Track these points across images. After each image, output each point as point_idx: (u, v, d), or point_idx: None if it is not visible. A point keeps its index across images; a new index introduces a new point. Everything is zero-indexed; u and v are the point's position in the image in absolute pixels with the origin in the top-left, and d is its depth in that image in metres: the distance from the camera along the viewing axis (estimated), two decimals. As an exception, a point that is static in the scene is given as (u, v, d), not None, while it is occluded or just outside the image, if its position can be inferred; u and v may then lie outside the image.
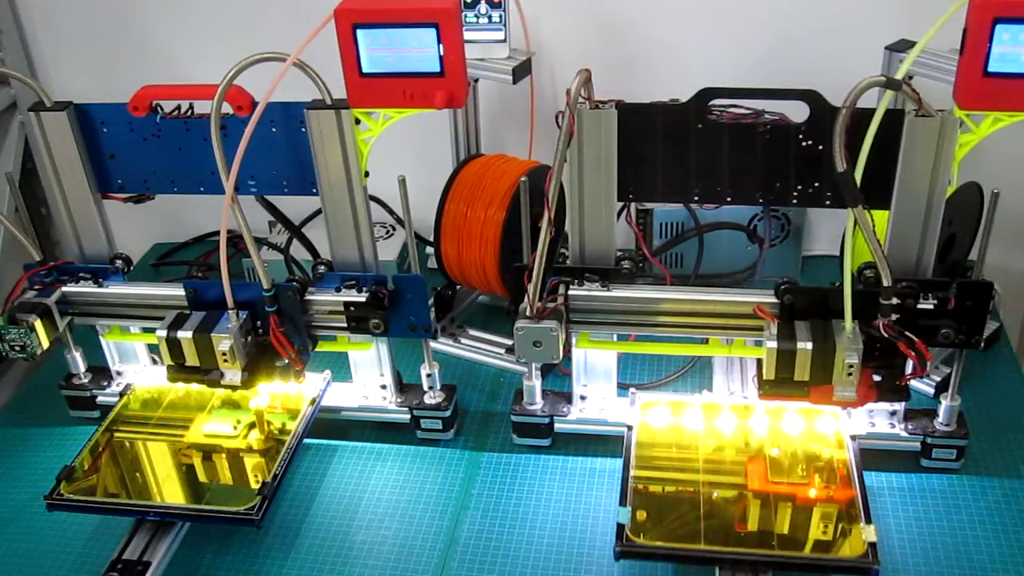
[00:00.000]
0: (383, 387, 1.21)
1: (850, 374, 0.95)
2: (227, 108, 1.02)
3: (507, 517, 1.09)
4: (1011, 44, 0.86)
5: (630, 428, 1.11)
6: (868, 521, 0.96)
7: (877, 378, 0.97)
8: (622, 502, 1.00)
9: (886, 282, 0.94)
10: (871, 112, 0.94)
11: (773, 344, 0.96)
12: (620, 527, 0.96)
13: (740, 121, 1.01)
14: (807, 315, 0.99)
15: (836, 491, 1.02)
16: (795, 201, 1.02)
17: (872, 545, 0.93)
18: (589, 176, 1.02)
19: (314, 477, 1.17)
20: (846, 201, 0.90)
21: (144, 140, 1.11)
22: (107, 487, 1.10)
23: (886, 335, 0.94)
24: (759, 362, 0.99)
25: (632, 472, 1.05)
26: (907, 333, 0.94)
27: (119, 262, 1.18)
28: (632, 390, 1.17)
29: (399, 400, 1.21)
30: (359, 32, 0.96)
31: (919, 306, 0.98)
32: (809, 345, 0.95)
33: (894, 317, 0.95)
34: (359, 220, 1.09)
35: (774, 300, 1.01)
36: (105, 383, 1.28)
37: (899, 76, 0.89)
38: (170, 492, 1.10)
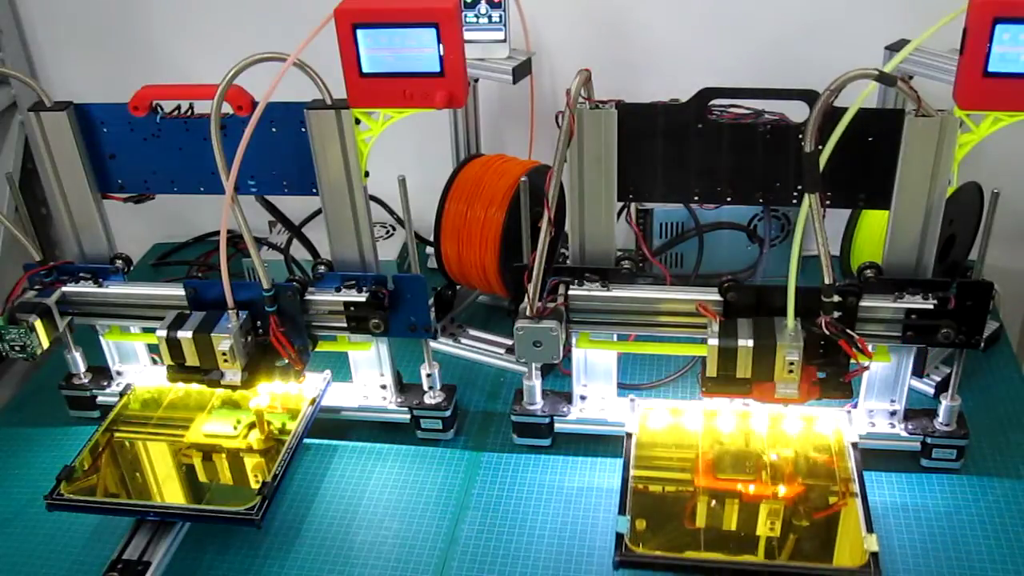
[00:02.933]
0: (383, 387, 1.21)
1: (791, 371, 0.95)
2: (227, 108, 1.02)
3: (507, 517, 1.09)
4: (1011, 44, 0.86)
5: (630, 436, 1.10)
6: (870, 530, 0.95)
7: (822, 375, 0.97)
8: (621, 511, 0.99)
9: (827, 280, 0.94)
10: (871, 112, 0.94)
11: (715, 341, 0.97)
12: (619, 536, 0.96)
13: (740, 121, 1.01)
14: (752, 313, 0.99)
15: (837, 499, 1.02)
16: (795, 201, 1.02)
17: (874, 555, 0.92)
18: (589, 176, 1.02)
19: (314, 477, 1.17)
20: (805, 185, 0.90)
21: (144, 140, 1.11)
22: (107, 487, 1.10)
23: (827, 332, 0.94)
24: (703, 360, 0.99)
25: (631, 481, 1.04)
26: (848, 331, 0.94)
27: (119, 262, 1.18)
28: (631, 398, 1.16)
29: (399, 400, 1.21)
30: (359, 32, 0.96)
31: (919, 306, 0.98)
32: (750, 343, 0.95)
33: (836, 315, 0.95)
34: (359, 220, 1.09)
35: (718, 298, 1.01)
36: (105, 383, 1.28)
37: (887, 69, 0.89)
38: (170, 492, 1.10)
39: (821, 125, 0.88)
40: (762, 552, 0.97)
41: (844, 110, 0.91)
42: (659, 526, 1.00)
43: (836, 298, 0.95)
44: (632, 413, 1.14)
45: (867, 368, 0.98)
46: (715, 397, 1.02)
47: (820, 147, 0.90)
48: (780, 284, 0.97)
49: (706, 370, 0.99)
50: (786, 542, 0.98)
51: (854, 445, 1.07)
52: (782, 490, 1.04)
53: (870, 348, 0.98)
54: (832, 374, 0.97)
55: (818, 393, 0.98)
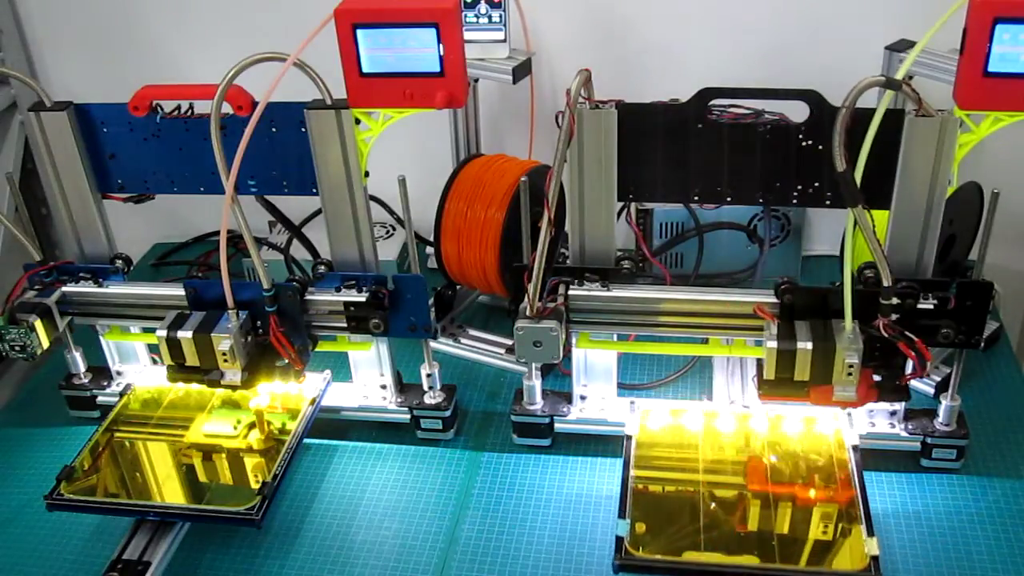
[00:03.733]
0: (383, 387, 1.21)
1: (850, 374, 0.95)
2: (227, 108, 1.02)
3: (507, 517, 1.09)
4: (1011, 44, 0.86)
5: (630, 438, 1.10)
6: (871, 534, 0.95)
7: (877, 378, 0.97)
8: (621, 514, 0.99)
9: (886, 282, 0.94)
10: (870, 112, 0.94)
11: (773, 344, 0.96)
12: (619, 540, 0.96)
13: (740, 121, 1.01)
14: (807, 315, 0.99)
15: (837, 503, 1.01)
16: (795, 201, 1.02)
17: (875, 559, 0.92)
18: (589, 176, 1.02)
19: (314, 477, 1.17)
20: (846, 201, 0.90)
21: (144, 140, 1.11)
22: (107, 487, 1.10)
23: (886, 335, 0.94)
24: (759, 362, 0.99)
25: (631, 482, 1.04)
26: (907, 333, 0.94)
27: (119, 262, 1.18)
28: (632, 400, 1.15)
29: (399, 400, 1.21)
30: (359, 32, 0.96)
31: (919, 306, 0.98)
32: (809, 345, 0.95)
33: (894, 317, 0.95)
34: (359, 220, 1.09)
35: (774, 300, 1.01)
36: (105, 383, 1.28)
37: (899, 76, 0.89)
38: (170, 492, 1.10)
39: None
40: (762, 555, 0.96)
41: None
42: (659, 529, 0.99)
43: (895, 300, 0.95)
44: (632, 415, 1.13)
45: (926, 371, 0.97)
46: (772, 401, 1.01)
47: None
48: (826, 287, 0.96)
49: (763, 373, 0.98)
50: (786, 545, 0.97)
51: (855, 448, 1.06)
52: (782, 493, 1.03)
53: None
54: (888, 377, 0.97)
55: (876, 396, 0.97)
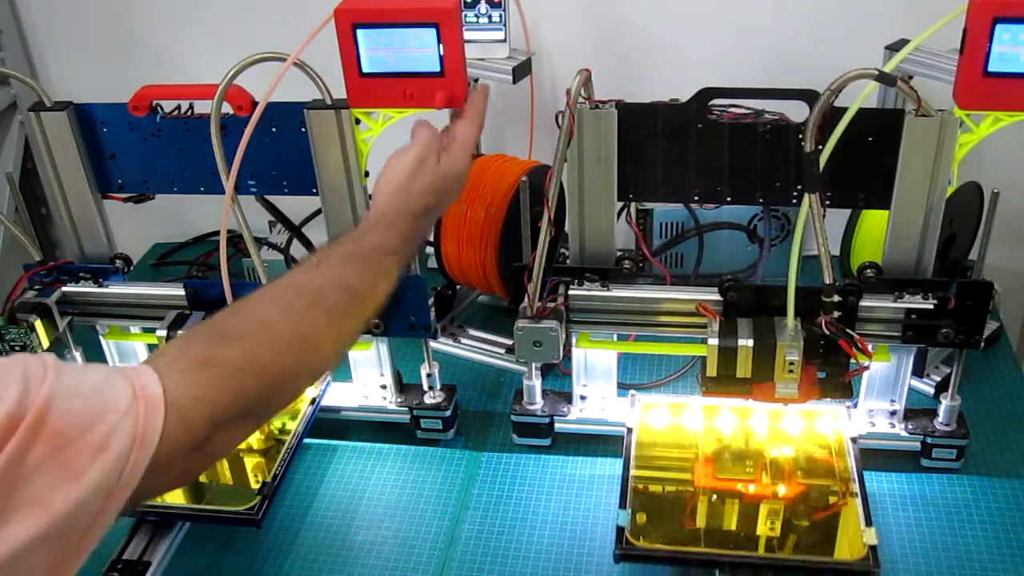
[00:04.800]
0: (383, 387, 1.21)
1: (791, 371, 0.95)
2: (227, 108, 1.02)
3: (507, 517, 1.09)
4: (1011, 44, 0.86)
5: (630, 431, 1.11)
6: (869, 524, 0.95)
7: (822, 375, 0.97)
8: (622, 504, 1.00)
9: (827, 279, 0.94)
10: (871, 112, 0.94)
11: (715, 341, 0.97)
12: (620, 530, 0.96)
13: (740, 121, 1.01)
14: (752, 313, 0.99)
15: (837, 497, 1.02)
16: (795, 201, 1.02)
17: (872, 548, 0.92)
18: (589, 176, 1.02)
19: (314, 477, 1.17)
20: (804, 185, 0.90)
21: (144, 140, 1.11)
22: (107, 487, 1.10)
23: (827, 332, 0.94)
24: (703, 360, 0.99)
25: (632, 473, 1.04)
26: (848, 330, 0.94)
27: (119, 262, 1.18)
28: (632, 392, 1.16)
29: (399, 400, 1.21)
30: (359, 32, 0.96)
31: (919, 306, 0.98)
32: (750, 342, 0.95)
33: (836, 314, 0.95)
34: (359, 220, 1.09)
35: (718, 298, 1.01)
36: (105, 383, 1.27)
37: (887, 69, 0.89)
38: (170, 492, 1.10)
39: (821, 125, 0.88)
40: (762, 547, 0.97)
41: (845, 110, 0.91)
42: (660, 521, 1.00)
43: (836, 298, 0.95)
44: (632, 409, 1.14)
45: (867, 368, 0.98)
46: (715, 397, 1.02)
47: (820, 147, 0.90)
48: (780, 284, 0.97)
49: (706, 370, 0.99)
50: (786, 538, 0.98)
51: (853, 440, 1.07)
52: (782, 488, 1.04)
53: (870, 348, 0.98)
54: (832, 374, 0.97)
55: (818, 393, 0.98)
